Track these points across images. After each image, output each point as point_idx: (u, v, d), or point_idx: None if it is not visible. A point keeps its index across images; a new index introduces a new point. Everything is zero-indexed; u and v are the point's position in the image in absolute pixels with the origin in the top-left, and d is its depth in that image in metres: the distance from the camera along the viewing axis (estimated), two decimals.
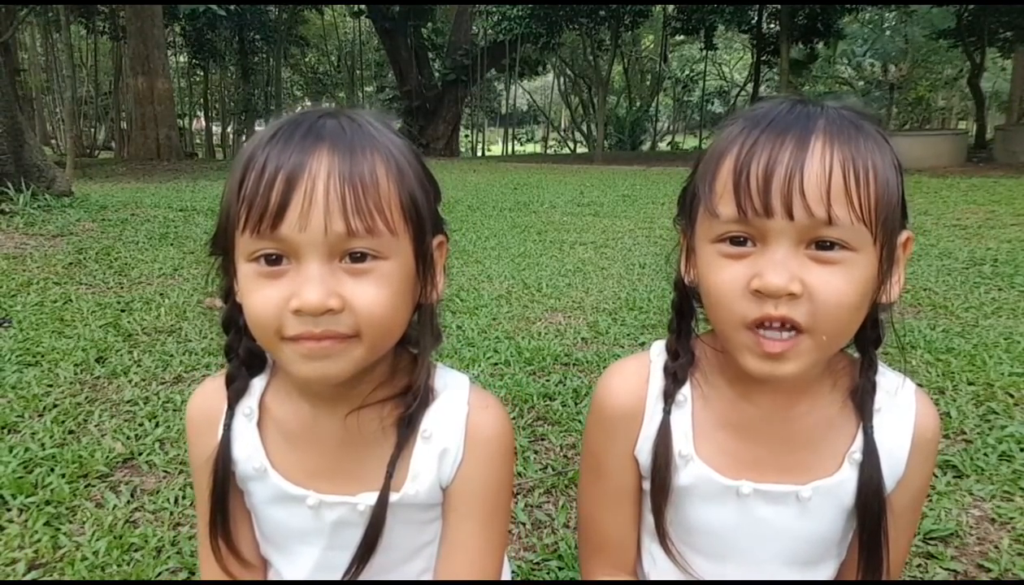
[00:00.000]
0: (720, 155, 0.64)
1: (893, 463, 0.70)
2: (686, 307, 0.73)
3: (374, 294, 0.61)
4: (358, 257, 0.60)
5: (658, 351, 0.76)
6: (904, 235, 0.66)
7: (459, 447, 0.70)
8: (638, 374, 0.75)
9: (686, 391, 0.73)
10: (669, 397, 0.72)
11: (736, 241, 0.62)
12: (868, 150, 0.61)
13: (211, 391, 0.74)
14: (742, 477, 0.71)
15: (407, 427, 0.69)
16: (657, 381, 0.73)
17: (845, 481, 0.69)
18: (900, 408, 0.71)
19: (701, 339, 0.75)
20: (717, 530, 0.73)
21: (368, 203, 0.60)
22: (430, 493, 0.70)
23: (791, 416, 0.70)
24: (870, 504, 0.69)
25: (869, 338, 0.70)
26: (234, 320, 0.69)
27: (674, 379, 0.72)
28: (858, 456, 0.69)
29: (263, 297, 0.60)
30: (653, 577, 0.79)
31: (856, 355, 0.72)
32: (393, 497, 0.69)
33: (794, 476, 0.70)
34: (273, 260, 0.60)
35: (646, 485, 0.75)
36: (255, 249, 0.60)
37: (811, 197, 0.59)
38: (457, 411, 0.71)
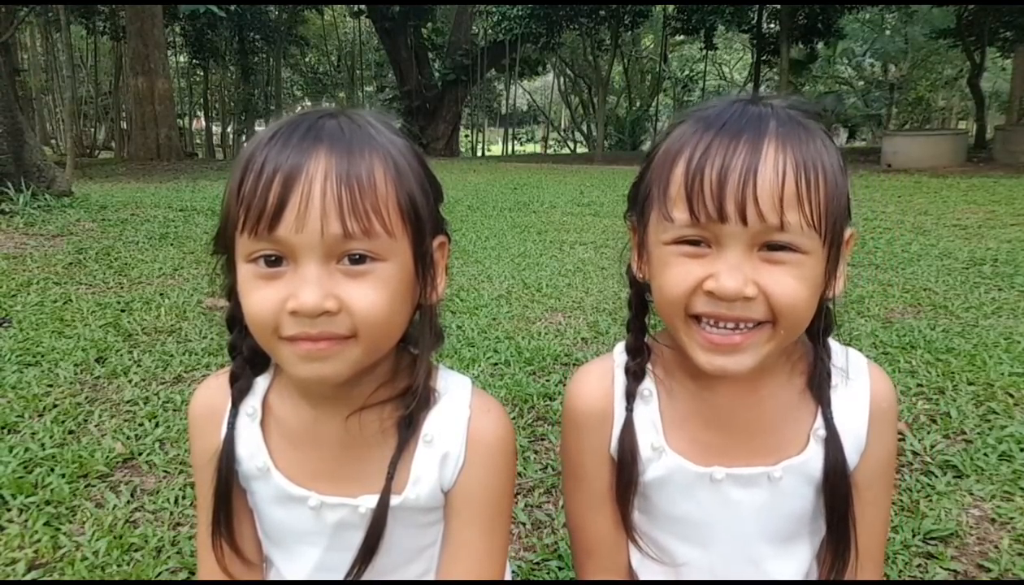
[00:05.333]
0: (673, 157, 0.65)
1: (854, 438, 0.72)
2: (641, 303, 0.75)
3: (372, 296, 0.60)
4: (356, 259, 0.60)
5: (620, 351, 0.77)
6: (847, 232, 0.68)
7: (461, 451, 0.70)
8: (603, 375, 0.76)
9: (651, 386, 0.74)
10: (631, 395, 0.73)
11: (691, 242, 0.64)
12: (818, 152, 0.62)
13: (214, 388, 0.74)
14: (713, 463, 0.72)
15: (407, 428, 0.69)
16: (622, 380, 0.75)
17: (812, 457, 0.72)
18: (855, 382, 0.73)
19: (657, 337, 0.76)
20: (697, 517, 0.74)
21: (365, 205, 0.59)
22: (431, 497, 0.70)
23: (754, 402, 0.72)
24: (836, 487, 0.71)
25: (819, 328, 0.71)
26: (237, 318, 0.69)
27: (635, 377, 0.74)
28: (822, 433, 0.71)
29: (261, 297, 0.60)
30: (642, 573, 0.79)
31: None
32: (394, 500, 0.69)
33: (763, 458, 0.72)
34: (272, 261, 0.60)
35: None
36: (253, 250, 0.60)
37: (764, 203, 0.60)
38: (459, 415, 0.70)
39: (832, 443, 0.70)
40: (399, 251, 0.62)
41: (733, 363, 0.64)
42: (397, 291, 0.63)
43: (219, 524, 0.73)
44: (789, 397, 0.73)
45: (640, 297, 0.75)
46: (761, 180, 0.60)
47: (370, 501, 0.69)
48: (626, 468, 0.73)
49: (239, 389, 0.72)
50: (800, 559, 0.77)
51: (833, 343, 0.74)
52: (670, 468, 0.73)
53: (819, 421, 0.72)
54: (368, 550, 0.69)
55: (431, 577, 0.76)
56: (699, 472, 0.72)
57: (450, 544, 0.73)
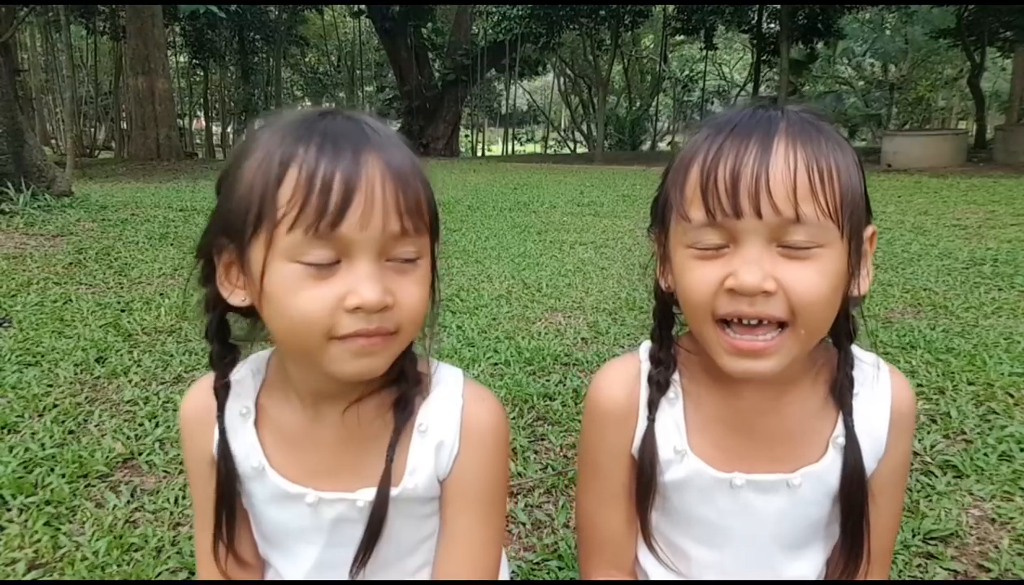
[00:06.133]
0: (688, 162, 0.66)
1: (874, 443, 0.72)
2: (666, 314, 0.75)
3: (417, 292, 0.63)
4: (406, 257, 0.62)
5: (646, 350, 0.77)
6: (869, 230, 0.68)
7: (455, 440, 0.70)
8: (629, 374, 0.76)
9: (676, 389, 0.74)
10: (653, 405, 0.74)
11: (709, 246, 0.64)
12: (830, 149, 0.63)
13: (206, 391, 0.73)
14: (734, 469, 0.72)
15: (403, 411, 0.70)
16: (647, 384, 0.75)
17: (831, 465, 0.71)
18: (876, 388, 0.73)
19: (683, 343, 0.76)
20: (713, 520, 0.74)
21: (414, 203, 0.62)
22: (428, 486, 0.71)
23: (778, 408, 0.72)
24: (854, 494, 0.71)
25: (843, 332, 0.71)
26: (222, 330, 0.68)
27: (657, 386, 0.74)
28: (841, 440, 0.71)
29: (312, 297, 0.59)
30: (652, 574, 0.79)
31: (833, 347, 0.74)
32: (393, 492, 0.69)
33: (783, 465, 0.72)
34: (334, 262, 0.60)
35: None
36: (307, 249, 0.59)
37: (778, 196, 0.60)
38: (452, 404, 0.71)
39: (851, 451, 0.70)
40: (427, 249, 0.65)
41: (759, 366, 0.64)
42: (427, 287, 0.66)
43: (220, 527, 0.72)
44: (812, 404, 0.72)
45: (664, 308, 0.75)
46: (773, 173, 0.60)
47: (368, 494, 0.69)
48: (646, 474, 0.73)
49: (228, 393, 0.71)
50: (812, 564, 0.77)
51: (858, 349, 0.74)
52: (691, 472, 0.73)
53: (839, 428, 0.71)
54: (371, 535, 0.69)
55: (429, 569, 0.76)
56: (719, 477, 0.72)
57: (446, 532, 0.73)
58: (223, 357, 0.70)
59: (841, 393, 0.71)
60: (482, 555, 0.73)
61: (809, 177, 0.60)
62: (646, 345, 0.78)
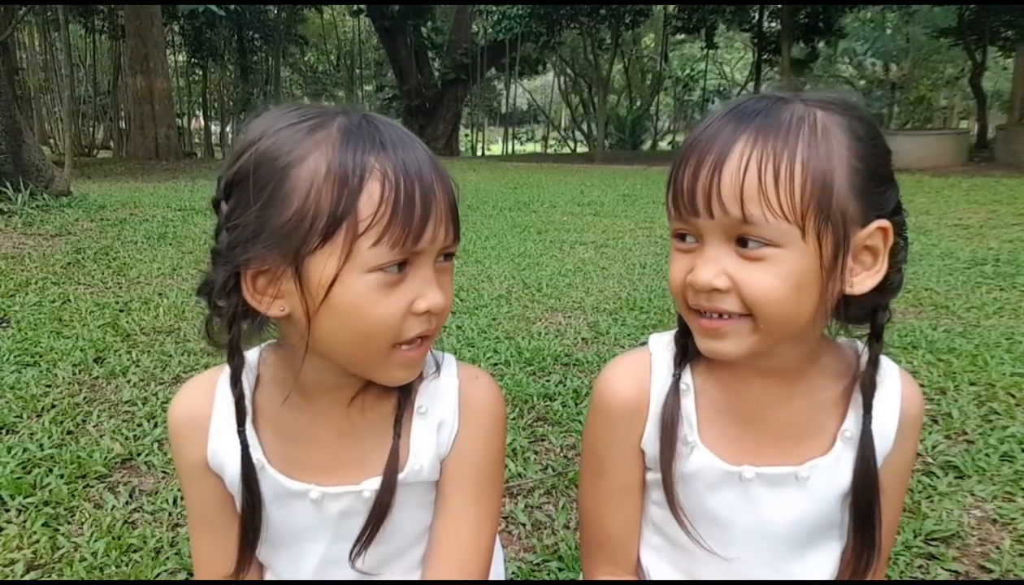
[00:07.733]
0: (681, 152, 0.68)
1: (882, 441, 0.72)
2: None
3: (450, 292, 0.66)
4: (448, 252, 0.65)
5: (656, 343, 0.77)
6: (873, 226, 0.64)
7: (455, 418, 0.71)
8: (640, 367, 0.76)
9: (688, 380, 0.74)
10: (679, 379, 0.74)
11: (683, 238, 0.67)
12: (802, 145, 0.61)
13: (196, 396, 0.72)
14: (744, 462, 0.72)
15: (405, 392, 0.70)
16: (660, 372, 0.75)
17: (840, 458, 0.71)
18: (886, 388, 0.73)
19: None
20: (721, 516, 0.74)
21: (455, 206, 0.64)
22: (432, 468, 0.70)
23: (787, 399, 0.71)
24: (865, 490, 0.70)
25: (870, 332, 0.70)
26: (239, 346, 0.65)
27: (682, 349, 0.74)
28: (849, 434, 0.71)
29: (388, 305, 0.60)
30: (653, 570, 0.79)
31: (842, 340, 0.74)
32: (398, 477, 0.69)
33: (791, 458, 0.72)
34: (400, 266, 0.61)
35: (650, 476, 0.76)
36: (387, 259, 0.59)
37: (726, 197, 0.61)
38: (449, 384, 0.72)
39: (865, 445, 0.70)
40: None
41: (720, 347, 0.66)
42: None
43: (246, 542, 0.70)
44: (822, 398, 0.72)
45: None
46: (726, 173, 0.61)
47: (374, 483, 0.68)
48: (669, 437, 0.72)
49: (242, 404, 0.68)
50: (822, 569, 0.75)
51: (862, 347, 0.73)
52: (700, 465, 0.72)
53: (848, 422, 0.71)
54: (380, 513, 0.68)
55: None
56: (729, 470, 0.72)
57: (440, 509, 0.73)
58: (241, 369, 0.67)
59: (864, 393, 0.70)
60: (475, 533, 0.72)
61: (760, 178, 0.60)
62: (654, 337, 0.78)
